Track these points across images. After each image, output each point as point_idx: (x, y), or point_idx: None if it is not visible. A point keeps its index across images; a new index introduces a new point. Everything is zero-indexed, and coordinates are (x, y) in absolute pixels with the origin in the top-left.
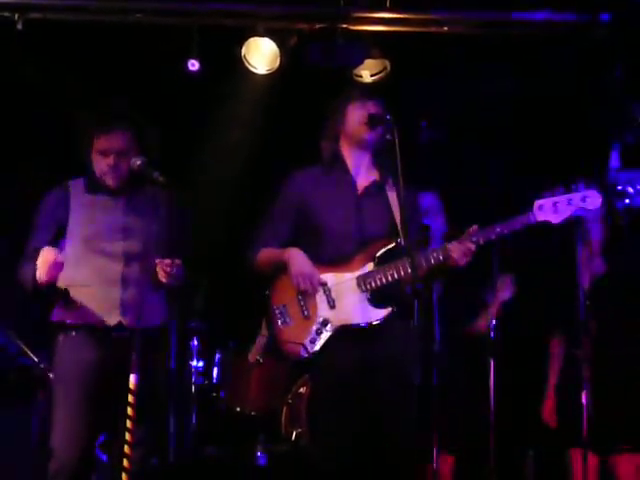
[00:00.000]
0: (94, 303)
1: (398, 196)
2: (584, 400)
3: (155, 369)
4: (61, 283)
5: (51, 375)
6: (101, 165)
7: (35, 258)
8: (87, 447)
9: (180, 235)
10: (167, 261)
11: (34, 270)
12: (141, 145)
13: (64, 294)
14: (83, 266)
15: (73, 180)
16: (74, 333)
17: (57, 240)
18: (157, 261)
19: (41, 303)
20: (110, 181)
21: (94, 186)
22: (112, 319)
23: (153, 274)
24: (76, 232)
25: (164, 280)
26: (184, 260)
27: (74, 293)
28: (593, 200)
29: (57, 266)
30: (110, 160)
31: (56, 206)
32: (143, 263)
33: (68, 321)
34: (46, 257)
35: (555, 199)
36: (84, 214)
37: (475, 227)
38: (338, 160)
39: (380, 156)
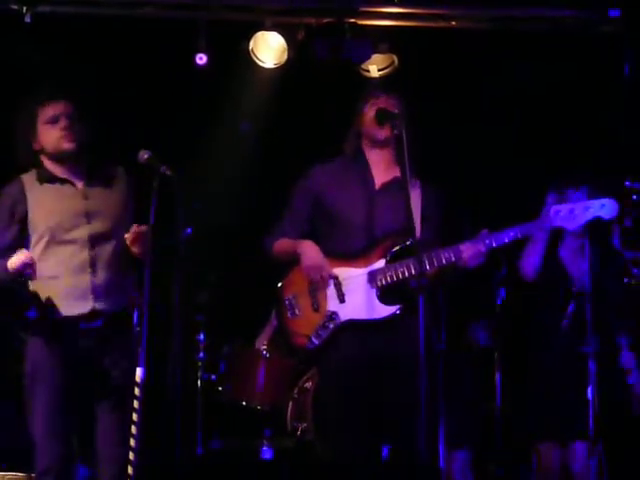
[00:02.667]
0: (64, 294)
1: (406, 192)
2: (590, 395)
3: (125, 355)
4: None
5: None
6: (52, 134)
7: (2, 256)
8: (69, 445)
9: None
10: (133, 229)
11: (2, 264)
12: (84, 115)
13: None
14: (49, 258)
15: (24, 174)
16: (45, 329)
17: (21, 237)
18: (133, 230)
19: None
20: (66, 145)
21: (47, 177)
22: (85, 306)
23: (123, 253)
24: (39, 225)
25: (135, 250)
26: (179, 248)
27: (43, 287)
28: (610, 209)
29: (27, 265)
30: (63, 122)
31: (14, 201)
32: (111, 244)
33: (38, 317)
34: (19, 257)
35: (572, 206)
36: (43, 205)
37: (485, 231)
38: (359, 156)
39: (399, 152)
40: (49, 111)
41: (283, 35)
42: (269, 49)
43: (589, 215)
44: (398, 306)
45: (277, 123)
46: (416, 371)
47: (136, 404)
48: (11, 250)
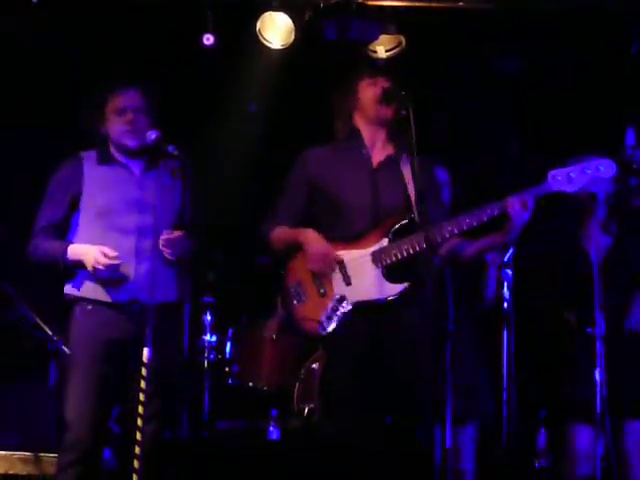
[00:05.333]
0: (107, 280)
1: (413, 171)
2: (597, 377)
3: (169, 344)
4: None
5: (65, 349)
6: (119, 125)
7: (53, 233)
8: (100, 420)
9: (188, 208)
10: (164, 236)
11: (62, 247)
12: (151, 105)
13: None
14: (97, 240)
15: (85, 152)
16: (90, 307)
17: (70, 214)
18: (161, 238)
19: (62, 278)
20: (129, 141)
21: (107, 157)
22: (126, 295)
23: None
24: (91, 205)
25: (167, 255)
26: (194, 232)
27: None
28: (608, 168)
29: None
30: (129, 116)
31: (71, 178)
32: (156, 237)
33: (84, 295)
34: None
35: (569, 169)
36: (99, 186)
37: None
38: (354, 136)
39: (395, 131)
40: (118, 101)
41: (290, 16)
42: (276, 30)
43: (587, 177)
44: (406, 284)
45: (284, 104)
46: (424, 351)
47: (143, 384)
48: (59, 227)
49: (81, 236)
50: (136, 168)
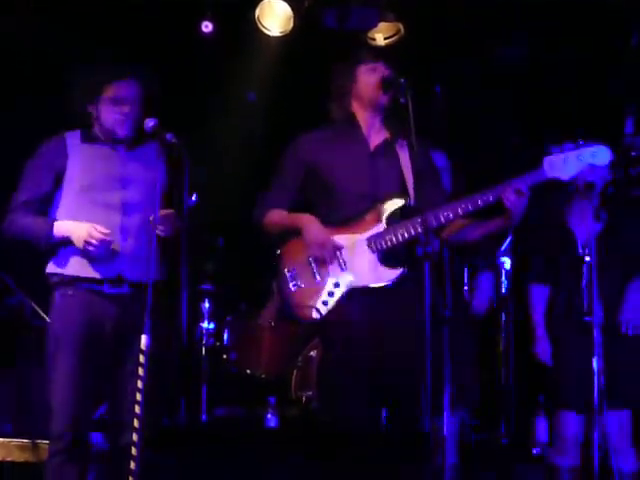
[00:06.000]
0: (92, 255)
1: (410, 156)
2: (595, 365)
3: (156, 326)
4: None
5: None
6: (112, 114)
7: (31, 210)
8: (87, 409)
9: (177, 188)
10: (162, 212)
11: (46, 223)
12: (149, 97)
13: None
14: (81, 216)
15: (68, 131)
16: (70, 292)
17: (53, 191)
18: (160, 213)
19: (42, 256)
20: (122, 130)
21: (91, 137)
22: (112, 271)
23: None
24: (74, 181)
25: (160, 232)
26: (186, 214)
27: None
28: (602, 156)
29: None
30: (125, 108)
31: (54, 155)
32: (142, 215)
33: (66, 274)
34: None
35: (564, 155)
36: (82, 163)
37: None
38: (350, 120)
39: (390, 117)
40: (114, 90)
41: (289, 3)
42: (275, 17)
43: (582, 163)
44: (402, 269)
45: (283, 91)
46: (421, 337)
47: (141, 371)
48: (37, 204)
49: (64, 212)
50: (120, 146)
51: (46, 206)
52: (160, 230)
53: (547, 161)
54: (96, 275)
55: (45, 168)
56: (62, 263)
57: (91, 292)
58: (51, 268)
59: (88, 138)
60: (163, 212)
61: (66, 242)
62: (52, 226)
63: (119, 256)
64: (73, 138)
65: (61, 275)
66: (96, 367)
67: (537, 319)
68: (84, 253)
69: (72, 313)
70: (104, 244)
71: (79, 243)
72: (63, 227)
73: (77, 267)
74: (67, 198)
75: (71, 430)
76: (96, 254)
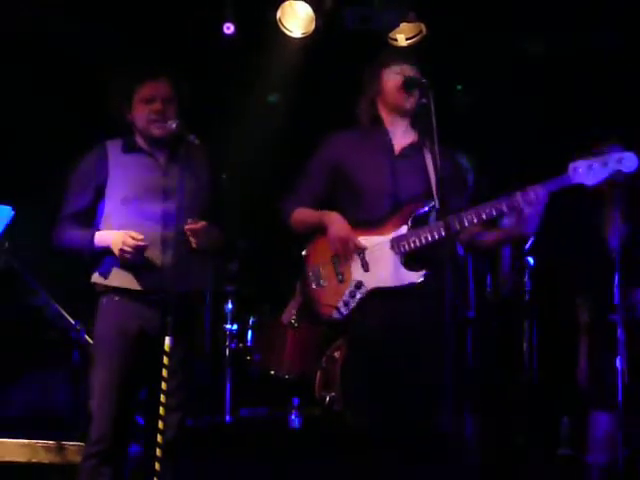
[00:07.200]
0: (134, 267)
1: (434, 159)
2: (619, 364)
3: (193, 334)
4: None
5: (88, 338)
6: (146, 114)
7: (78, 222)
8: (125, 415)
9: (214, 198)
10: (189, 225)
11: (88, 234)
12: (179, 96)
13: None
14: (123, 228)
15: (110, 140)
16: (117, 298)
17: (96, 203)
18: (185, 227)
19: (88, 267)
20: (156, 130)
21: (132, 146)
22: (153, 283)
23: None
24: (116, 193)
25: (193, 245)
26: (219, 223)
27: (114, 257)
28: (629, 162)
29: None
30: (157, 105)
31: (96, 167)
32: (181, 225)
33: (111, 284)
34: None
35: (590, 162)
36: (123, 174)
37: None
38: (377, 123)
39: (417, 119)
40: (148, 90)
41: (311, 4)
42: (297, 18)
43: (608, 170)
44: (424, 272)
45: (304, 92)
46: (443, 339)
47: (165, 373)
48: (83, 216)
49: (107, 224)
50: (161, 156)
51: (91, 218)
52: (193, 242)
53: (572, 166)
54: (138, 287)
55: (87, 180)
56: (106, 274)
57: (136, 299)
58: (96, 278)
59: (129, 148)
60: (194, 225)
61: (108, 252)
62: (93, 237)
63: (160, 268)
64: (114, 148)
65: (105, 285)
66: (137, 376)
67: None
68: (124, 263)
69: (118, 320)
70: (139, 251)
71: (116, 251)
72: (102, 237)
73: (120, 279)
74: (110, 209)
75: (110, 434)
76: (132, 261)
